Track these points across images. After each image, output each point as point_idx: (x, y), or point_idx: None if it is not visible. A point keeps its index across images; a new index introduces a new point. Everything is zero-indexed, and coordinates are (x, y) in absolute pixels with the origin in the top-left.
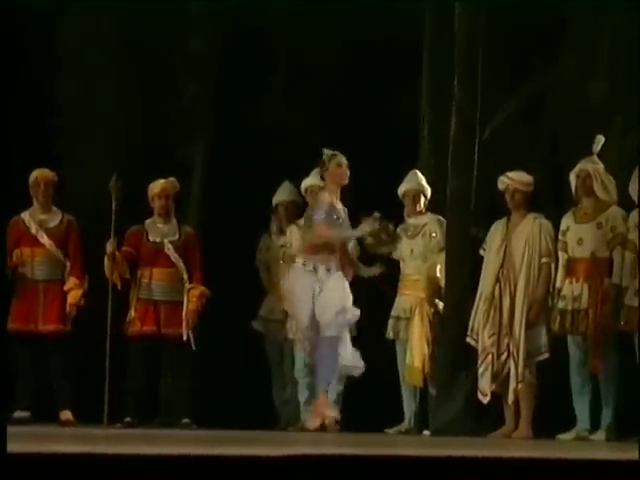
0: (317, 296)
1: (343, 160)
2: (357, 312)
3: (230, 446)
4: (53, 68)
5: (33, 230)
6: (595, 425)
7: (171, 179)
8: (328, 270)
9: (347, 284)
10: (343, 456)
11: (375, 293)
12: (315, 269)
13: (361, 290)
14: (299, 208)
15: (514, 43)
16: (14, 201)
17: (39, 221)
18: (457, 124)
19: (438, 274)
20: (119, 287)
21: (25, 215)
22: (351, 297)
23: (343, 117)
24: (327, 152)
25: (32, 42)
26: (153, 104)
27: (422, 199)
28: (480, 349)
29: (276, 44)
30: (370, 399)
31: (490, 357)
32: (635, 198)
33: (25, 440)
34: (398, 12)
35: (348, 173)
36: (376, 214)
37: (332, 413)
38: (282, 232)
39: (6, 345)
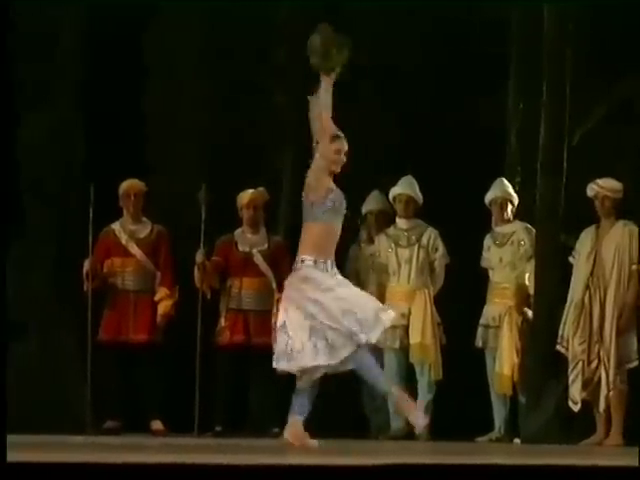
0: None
1: (344, 147)
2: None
3: (320, 455)
4: (141, 79)
5: (124, 241)
6: None
7: (260, 189)
8: (332, 266)
9: None
10: (434, 465)
11: (463, 302)
12: (324, 263)
13: (450, 299)
14: (388, 217)
15: (602, 46)
16: (105, 212)
17: (129, 232)
18: (546, 130)
19: (527, 282)
20: (209, 297)
21: (116, 226)
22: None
23: (430, 122)
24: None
25: (120, 53)
26: (241, 113)
27: (509, 207)
28: (570, 357)
29: (361, 49)
30: (460, 407)
31: (581, 365)
32: None
33: (116, 450)
34: (486, 14)
35: (343, 160)
36: None
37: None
38: (371, 241)
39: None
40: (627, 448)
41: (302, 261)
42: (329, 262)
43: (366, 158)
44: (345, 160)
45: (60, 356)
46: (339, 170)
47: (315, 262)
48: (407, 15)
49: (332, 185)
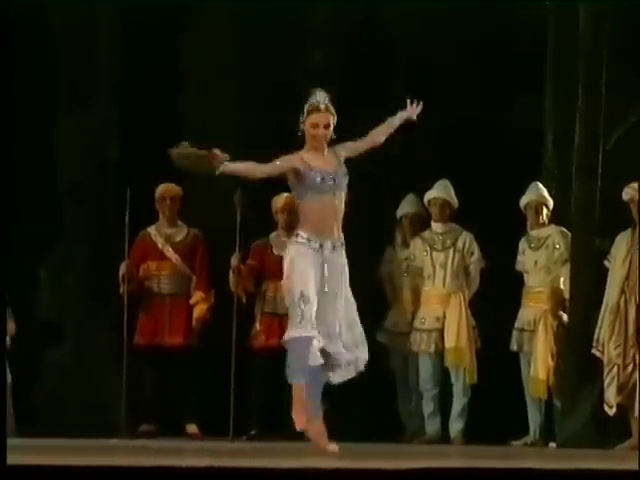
0: (324, 281)
1: (321, 119)
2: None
3: (356, 459)
4: (177, 80)
5: (159, 244)
6: None
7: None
8: (334, 247)
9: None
10: (468, 469)
11: (498, 306)
12: (322, 246)
13: (485, 303)
14: (423, 220)
15: (639, 46)
16: (141, 215)
17: (165, 235)
18: (581, 133)
19: (562, 286)
20: (244, 301)
21: (152, 229)
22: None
23: (464, 125)
24: (312, 101)
25: (156, 54)
26: (275, 116)
27: (544, 210)
28: (606, 361)
29: (397, 52)
30: (495, 411)
31: (616, 369)
32: None
33: (151, 453)
34: (521, 14)
35: (326, 135)
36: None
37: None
38: (406, 244)
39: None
40: (471, 447)
41: (296, 235)
42: (328, 243)
43: (400, 161)
44: (327, 133)
45: (95, 359)
46: (322, 145)
47: (308, 240)
48: (442, 16)
49: (315, 163)
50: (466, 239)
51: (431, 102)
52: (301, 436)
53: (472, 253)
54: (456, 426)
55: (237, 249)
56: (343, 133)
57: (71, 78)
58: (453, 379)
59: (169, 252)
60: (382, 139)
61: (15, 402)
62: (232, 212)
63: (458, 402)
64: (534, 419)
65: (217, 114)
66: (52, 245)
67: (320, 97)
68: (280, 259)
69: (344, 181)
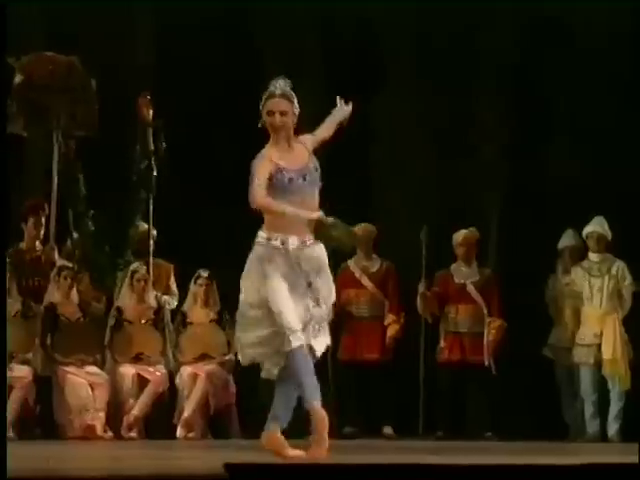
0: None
1: (275, 106)
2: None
3: (528, 455)
4: (368, 140)
5: (357, 275)
6: None
7: (472, 229)
8: (303, 242)
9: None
10: (625, 464)
11: None
12: (283, 243)
13: (636, 321)
14: (581, 251)
15: None
16: None
17: (362, 267)
18: None
19: None
20: (430, 321)
21: (350, 262)
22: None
23: (619, 165)
24: (269, 87)
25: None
26: (453, 164)
27: None
28: None
29: (554, 103)
30: None
31: None
32: None
33: (352, 452)
34: None
35: (284, 124)
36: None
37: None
38: (567, 272)
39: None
40: (627, 445)
41: (257, 236)
42: (291, 240)
43: (560, 199)
44: (286, 121)
45: None
46: (284, 136)
47: (269, 239)
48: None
49: (284, 162)
50: (619, 266)
51: (587, 144)
52: (480, 436)
53: (625, 278)
54: (613, 427)
55: (423, 278)
56: (516, 178)
57: None
58: (610, 386)
59: (366, 281)
60: (331, 133)
61: (240, 411)
62: (418, 246)
63: (614, 406)
64: None
65: (406, 166)
66: None
67: (278, 83)
68: (461, 286)
69: (316, 176)
